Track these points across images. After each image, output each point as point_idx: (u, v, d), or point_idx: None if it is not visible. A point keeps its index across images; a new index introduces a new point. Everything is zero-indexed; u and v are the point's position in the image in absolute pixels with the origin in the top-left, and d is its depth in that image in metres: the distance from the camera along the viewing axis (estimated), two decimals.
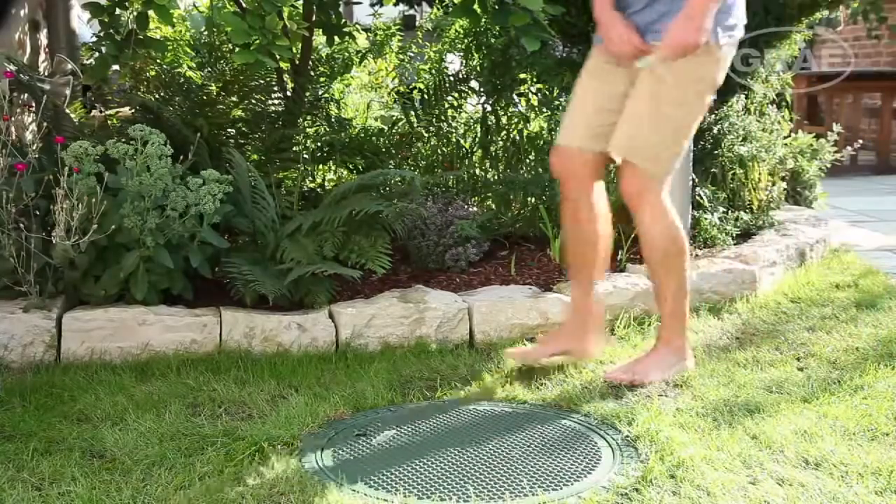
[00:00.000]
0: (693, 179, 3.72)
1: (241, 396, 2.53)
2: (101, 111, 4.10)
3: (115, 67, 3.98)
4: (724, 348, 2.93)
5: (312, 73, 4.21)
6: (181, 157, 3.15)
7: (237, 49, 3.30)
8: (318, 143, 3.94)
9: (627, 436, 2.24)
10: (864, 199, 6.04)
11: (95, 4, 3.69)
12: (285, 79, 4.15)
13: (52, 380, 2.65)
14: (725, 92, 3.91)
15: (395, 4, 4.48)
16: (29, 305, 2.87)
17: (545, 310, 3.07)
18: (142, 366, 2.77)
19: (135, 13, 3.69)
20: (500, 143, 4.25)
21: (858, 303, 3.37)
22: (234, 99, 3.95)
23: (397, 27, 5.67)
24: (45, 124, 3.25)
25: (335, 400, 2.49)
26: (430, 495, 1.97)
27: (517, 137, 4.21)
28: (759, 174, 4.24)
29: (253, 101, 4.00)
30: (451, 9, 4.32)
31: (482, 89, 4.29)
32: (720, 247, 3.79)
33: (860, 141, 6.25)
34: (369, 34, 5.59)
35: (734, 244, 3.83)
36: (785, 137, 4.73)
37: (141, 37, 3.69)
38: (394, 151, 4.11)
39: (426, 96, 4.35)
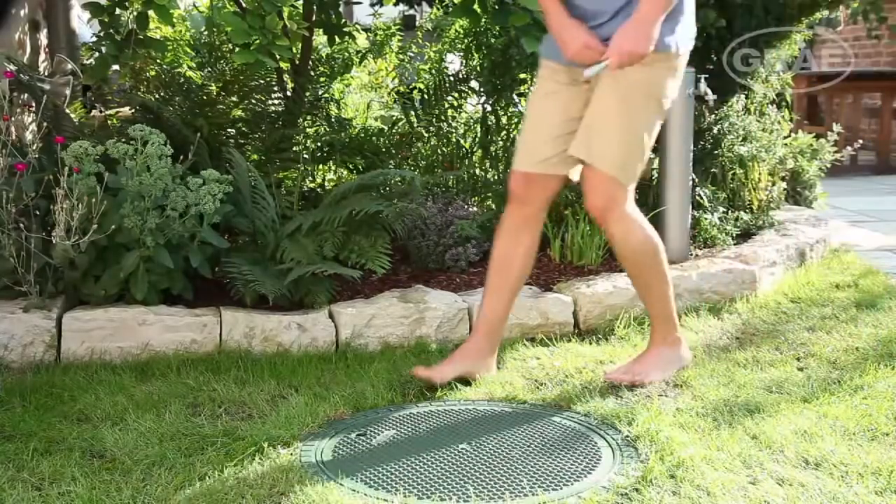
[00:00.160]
0: (693, 179, 3.72)
1: (241, 396, 2.53)
2: (101, 111, 4.10)
3: (115, 67, 3.99)
4: (724, 348, 2.93)
5: (312, 73, 4.22)
6: (181, 157, 3.15)
7: (237, 49, 3.30)
8: (318, 143, 3.94)
9: (627, 436, 2.24)
10: (864, 199, 6.04)
11: (95, 4, 3.69)
12: (285, 79, 4.15)
13: (52, 380, 2.65)
14: (725, 92, 3.92)
15: (395, 4, 4.49)
16: (29, 305, 2.87)
17: (545, 310, 3.07)
18: (142, 366, 2.77)
19: (135, 13, 3.69)
20: (500, 143, 4.25)
21: (858, 303, 3.37)
22: (234, 99, 3.95)
23: (397, 27, 5.67)
24: (45, 124, 3.25)
25: (335, 400, 2.49)
26: (430, 495, 1.97)
27: (517, 137, 4.21)
28: (759, 174, 4.24)
29: (253, 101, 4.00)
30: (451, 9, 4.32)
31: (482, 89, 4.29)
32: (720, 247, 3.80)
33: (860, 141, 6.25)
34: (369, 34, 5.59)
35: (734, 244, 3.84)
36: (785, 137, 4.73)
37: (141, 37, 3.69)
38: (394, 151, 4.11)
39: (426, 96, 4.35)
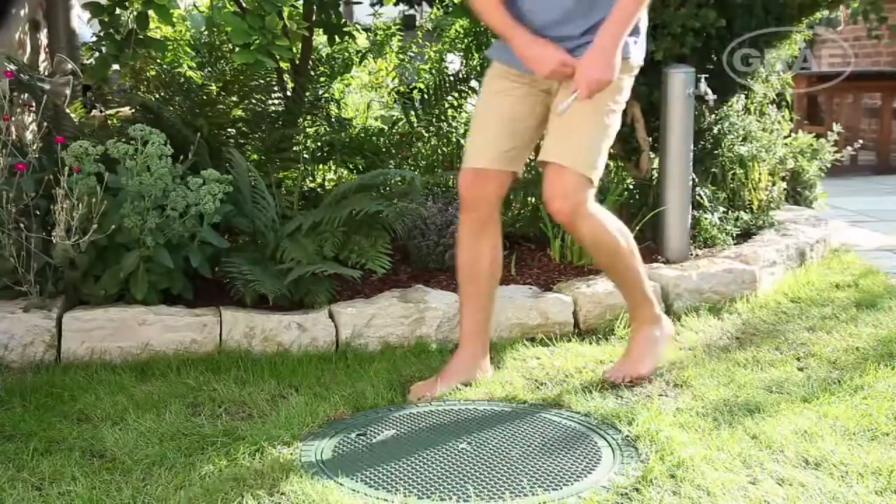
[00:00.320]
0: (693, 179, 3.72)
1: (242, 396, 2.53)
2: (101, 111, 4.10)
3: (116, 67, 3.99)
4: (724, 348, 2.93)
5: (312, 73, 4.22)
6: (181, 157, 3.15)
7: (237, 49, 3.31)
8: (319, 143, 3.95)
9: (627, 436, 2.24)
10: (864, 199, 6.04)
11: (95, 4, 3.69)
12: (285, 79, 4.15)
13: (53, 379, 2.65)
14: (725, 92, 3.92)
15: (396, 4, 4.49)
16: (29, 305, 2.87)
17: (545, 309, 3.07)
18: (142, 366, 2.77)
19: (135, 13, 3.69)
20: None
21: (858, 303, 3.37)
22: (234, 99, 3.95)
23: (397, 27, 5.67)
24: (45, 124, 3.25)
25: (335, 400, 2.49)
26: (430, 495, 1.97)
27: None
28: (759, 174, 4.24)
29: (253, 100, 4.00)
30: (451, 9, 4.33)
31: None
32: (720, 247, 3.80)
33: (860, 141, 6.25)
34: (369, 34, 5.59)
35: (734, 244, 3.84)
36: (785, 137, 4.73)
37: (141, 37, 3.70)
38: (394, 151, 4.11)
39: (426, 96, 4.35)
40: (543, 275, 3.47)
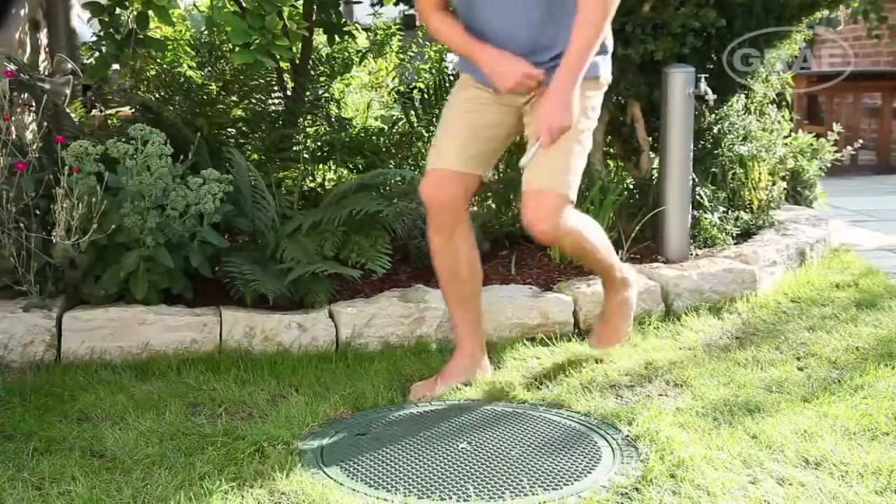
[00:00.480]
0: (693, 179, 3.72)
1: (242, 396, 2.53)
2: (101, 111, 4.10)
3: (116, 67, 3.99)
4: (724, 348, 2.93)
5: (312, 73, 4.22)
6: (181, 157, 3.15)
7: (237, 49, 3.31)
8: (319, 143, 3.94)
9: (627, 435, 2.24)
10: (865, 199, 6.04)
11: (95, 4, 3.69)
12: (285, 78, 4.15)
13: (53, 379, 2.65)
14: (725, 91, 3.92)
15: (396, 4, 4.49)
16: (29, 305, 2.87)
17: (545, 309, 3.07)
18: (142, 365, 2.77)
19: (135, 13, 3.69)
20: None
21: (858, 302, 3.37)
22: (234, 98, 3.95)
23: (397, 27, 5.67)
24: (45, 124, 3.25)
25: (335, 399, 2.49)
26: (430, 494, 1.97)
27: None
28: (760, 174, 4.24)
29: (253, 100, 4.00)
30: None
31: None
32: (720, 246, 3.80)
33: (860, 141, 6.25)
34: (369, 34, 5.59)
35: (734, 244, 3.84)
36: (785, 137, 4.72)
37: (141, 36, 3.70)
38: (394, 151, 4.11)
39: (426, 96, 4.35)
40: (543, 274, 3.48)
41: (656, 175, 3.80)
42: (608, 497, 1.94)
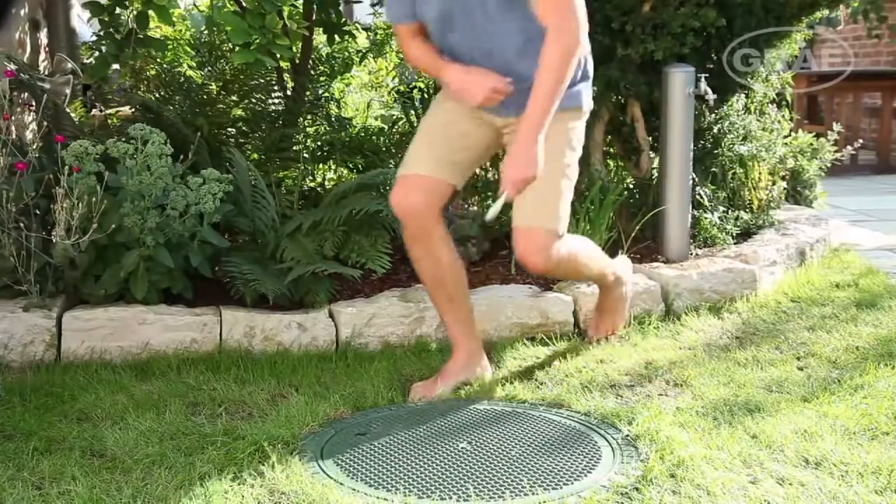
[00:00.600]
0: (693, 179, 3.72)
1: (242, 396, 2.53)
2: (101, 110, 4.10)
3: (116, 66, 3.99)
4: (724, 348, 2.93)
5: (312, 73, 4.22)
6: (181, 157, 3.15)
7: (237, 48, 3.30)
8: (319, 143, 3.94)
9: (627, 435, 2.24)
10: (865, 199, 6.04)
11: (95, 3, 3.69)
12: (285, 78, 4.15)
13: (53, 379, 2.65)
14: (725, 91, 3.92)
15: None
16: (29, 305, 2.87)
17: (545, 309, 3.07)
18: (142, 365, 2.77)
19: (135, 12, 3.69)
20: None
21: (858, 302, 3.37)
22: (234, 98, 3.95)
23: None
24: (45, 123, 3.25)
25: (335, 399, 2.49)
26: (430, 494, 1.97)
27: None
28: (760, 173, 4.24)
29: (253, 100, 4.00)
30: None
31: None
32: (720, 246, 3.80)
33: (860, 140, 6.25)
34: (369, 33, 5.58)
35: (734, 243, 3.84)
36: (785, 137, 4.72)
37: (141, 36, 3.69)
38: (394, 150, 4.11)
39: (426, 95, 4.35)
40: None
41: (656, 175, 3.80)
42: (608, 497, 1.94)
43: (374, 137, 4.14)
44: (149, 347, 2.84)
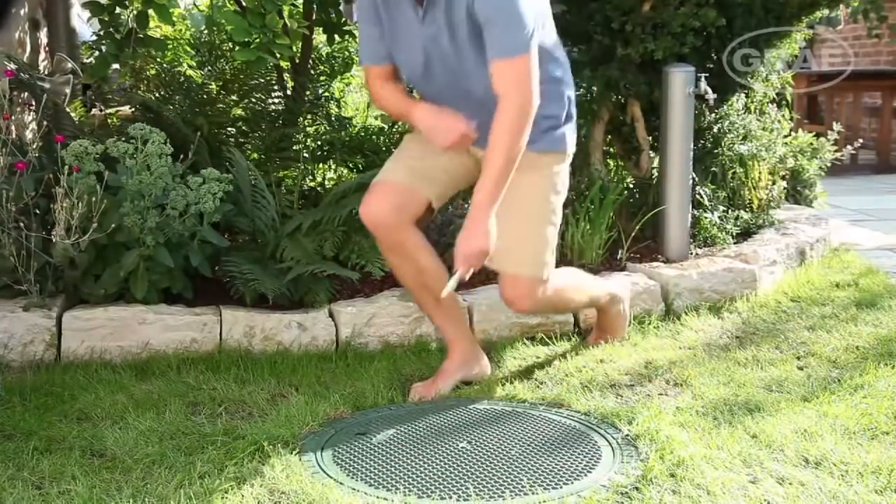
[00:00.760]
0: (693, 178, 3.72)
1: (242, 395, 2.53)
2: (101, 110, 4.10)
3: (115, 66, 3.99)
4: (724, 347, 2.93)
5: (312, 72, 4.21)
6: (181, 156, 3.15)
7: (237, 47, 3.31)
8: (319, 142, 3.94)
9: (627, 434, 2.24)
10: (865, 199, 6.04)
11: (95, 3, 3.69)
12: (285, 78, 4.15)
13: (52, 378, 2.65)
14: (725, 91, 3.92)
15: None
16: (29, 304, 2.87)
17: None
18: (142, 365, 2.77)
19: (135, 12, 3.69)
20: None
21: (858, 302, 3.37)
22: (234, 98, 3.95)
23: None
24: (45, 123, 3.25)
25: (335, 399, 2.49)
26: (430, 494, 1.97)
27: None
28: (760, 173, 4.24)
29: (253, 99, 3.99)
30: None
31: None
32: (720, 246, 3.80)
33: (860, 140, 6.24)
34: None
35: (734, 243, 3.84)
36: (785, 136, 4.72)
37: (141, 36, 3.69)
38: (394, 150, 4.10)
39: None
40: None
41: (656, 174, 3.80)
42: (608, 496, 1.94)
43: (374, 137, 4.14)
44: (149, 347, 2.84)
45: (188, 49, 4.59)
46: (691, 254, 3.68)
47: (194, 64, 4.45)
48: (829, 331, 3.06)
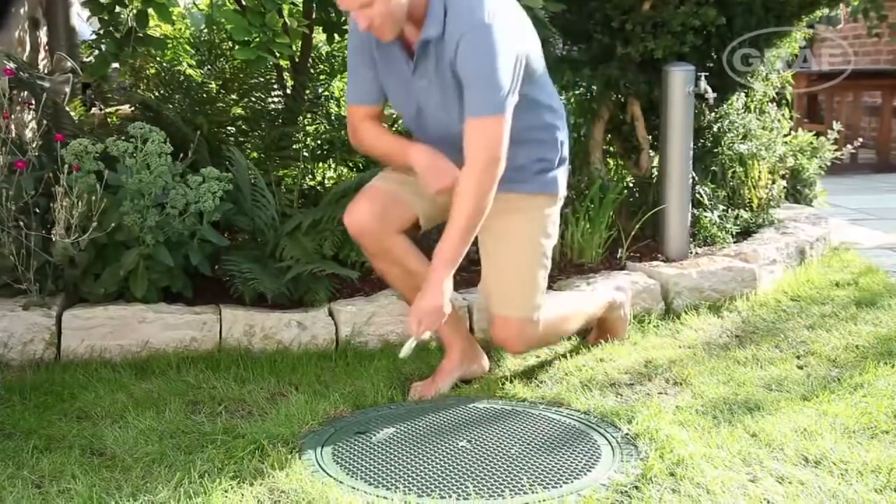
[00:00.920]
0: (693, 177, 3.72)
1: (241, 394, 2.53)
2: (100, 109, 4.09)
3: (115, 65, 3.98)
4: (723, 346, 2.93)
5: (312, 71, 4.21)
6: (181, 155, 3.15)
7: (237, 46, 3.30)
8: (318, 141, 3.94)
9: (627, 433, 2.24)
10: (864, 198, 6.04)
11: (95, 2, 3.68)
12: (285, 77, 4.14)
13: (52, 377, 2.65)
14: (725, 90, 3.92)
15: None
16: (29, 303, 2.87)
17: None
18: (141, 364, 2.77)
19: (134, 11, 3.69)
20: None
21: (858, 301, 3.37)
22: (233, 97, 3.95)
23: None
24: (44, 122, 3.25)
25: (335, 398, 2.49)
26: (430, 493, 1.97)
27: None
28: (759, 172, 4.24)
29: (253, 98, 3.99)
30: None
31: None
32: (720, 245, 3.80)
33: (860, 139, 6.24)
34: None
35: (734, 242, 3.84)
36: (785, 135, 4.72)
37: (140, 35, 3.69)
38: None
39: None
40: None
41: (656, 173, 3.80)
42: (608, 495, 1.94)
43: None
44: (148, 346, 2.84)
45: (188, 48, 4.59)
46: (691, 253, 3.68)
47: (194, 63, 4.45)
48: (829, 330, 3.06)
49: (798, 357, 2.83)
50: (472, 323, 3.00)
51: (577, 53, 3.93)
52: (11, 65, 3.42)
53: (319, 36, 4.37)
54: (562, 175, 2.58)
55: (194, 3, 5.34)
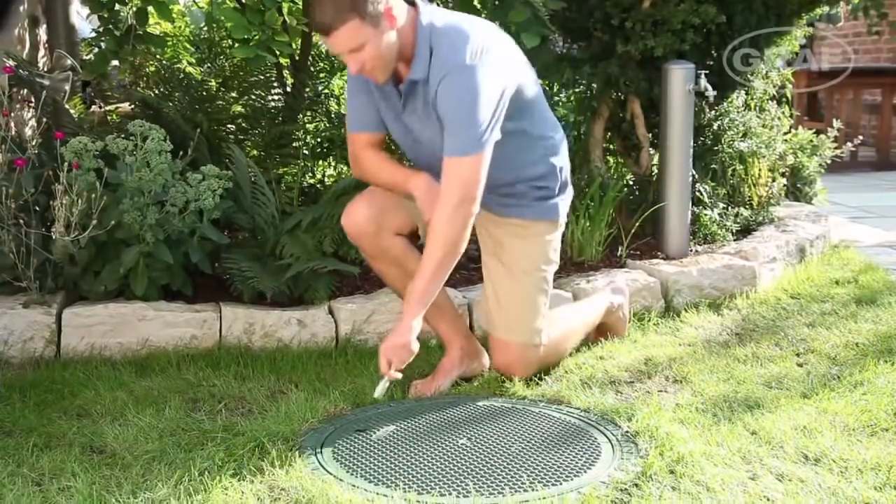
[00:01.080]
0: (693, 175, 3.72)
1: (241, 392, 2.53)
2: (100, 107, 4.09)
3: (115, 63, 3.98)
4: (723, 344, 2.93)
5: (312, 69, 4.21)
6: (181, 153, 3.15)
7: (237, 44, 3.30)
8: (318, 139, 3.94)
9: (627, 431, 2.24)
10: (864, 196, 6.04)
11: (95, 0, 3.68)
12: (285, 75, 4.14)
13: (52, 375, 2.65)
14: (725, 88, 3.92)
15: None
16: (29, 301, 2.87)
17: None
18: (141, 361, 2.77)
19: (134, 9, 3.68)
20: None
21: (858, 299, 3.37)
22: (233, 95, 3.95)
23: None
24: (44, 120, 3.24)
25: (335, 395, 2.49)
26: (430, 490, 1.97)
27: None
28: (759, 170, 4.24)
29: (253, 96, 3.99)
30: (451, 4, 4.31)
31: None
32: (720, 243, 3.80)
33: (860, 137, 6.25)
34: None
35: (734, 240, 3.84)
36: (785, 133, 4.72)
37: (140, 32, 3.68)
38: (393, 147, 4.10)
39: None
40: None
41: (656, 171, 3.80)
42: (608, 493, 1.94)
43: None
44: (148, 344, 2.84)
45: (188, 46, 4.59)
46: (691, 251, 3.68)
47: (194, 61, 4.45)
48: (829, 327, 3.06)
49: (798, 355, 2.83)
50: (471, 321, 3.00)
51: (577, 51, 3.93)
52: (11, 62, 3.42)
53: None
54: (563, 203, 2.60)
55: (194, 1, 5.34)
